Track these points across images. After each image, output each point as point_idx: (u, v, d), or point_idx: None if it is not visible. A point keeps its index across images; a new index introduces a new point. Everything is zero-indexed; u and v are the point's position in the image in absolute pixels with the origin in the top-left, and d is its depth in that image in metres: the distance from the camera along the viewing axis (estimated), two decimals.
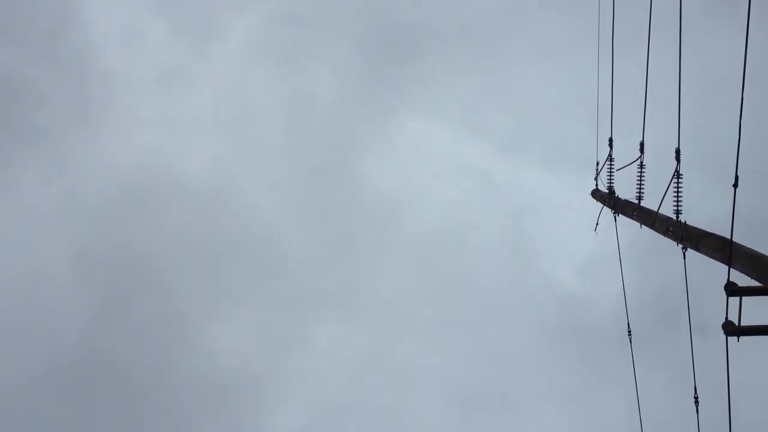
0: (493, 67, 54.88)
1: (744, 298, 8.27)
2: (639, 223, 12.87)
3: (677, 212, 11.25)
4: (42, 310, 44.57)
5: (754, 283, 8.44)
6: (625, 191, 14.39)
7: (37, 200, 47.86)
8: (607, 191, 15.31)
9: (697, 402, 11.06)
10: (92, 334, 44.41)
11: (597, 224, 16.15)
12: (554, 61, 51.63)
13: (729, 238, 8.78)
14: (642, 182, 13.15)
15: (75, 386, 42.31)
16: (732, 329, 8.07)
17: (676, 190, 11.25)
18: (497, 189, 53.92)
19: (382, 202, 53.45)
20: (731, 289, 8.09)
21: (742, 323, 8.30)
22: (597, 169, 16.10)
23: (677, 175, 11.14)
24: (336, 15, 54.12)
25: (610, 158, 15.04)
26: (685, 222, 10.96)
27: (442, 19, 54.27)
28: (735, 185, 7.87)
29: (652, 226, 12.14)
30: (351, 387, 46.21)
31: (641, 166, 13.03)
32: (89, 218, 48.10)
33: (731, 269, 8.78)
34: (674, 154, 11.06)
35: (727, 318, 8.23)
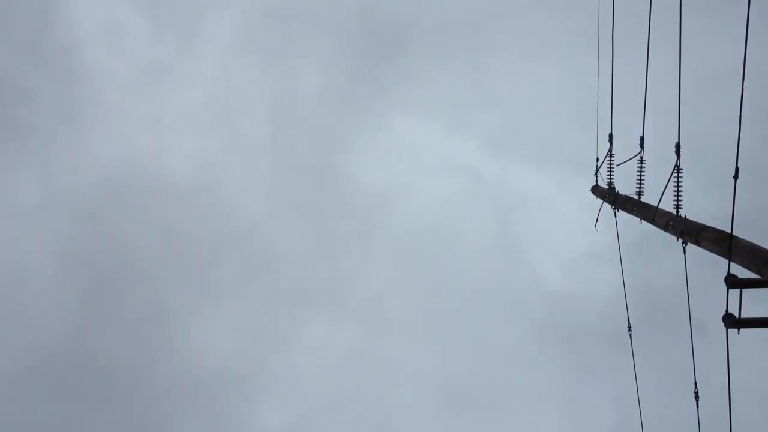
0: (481, 63, 54.86)
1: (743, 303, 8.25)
2: (639, 219, 12.88)
3: (677, 207, 11.27)
4: (26, 307, 44.58)
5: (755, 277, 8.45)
6: (625, 187, 14.43)
7: (22, 197, 47.91)
8: (606, 187, 15.31)
9: (697, 397, 11.06)
10: (77, 332, 44.42)
11: (597, 220, 16.17)
12: (543, 58, 51.67)
13: (729, 231, 8.79)
14: (642, 177, 13.16)
15: (58, 384, 42.27)
16: (732, 321, 8.06)
17: (676, 184, 11.26)
18: (485, 186, 53.98)
19: (369, 199, 53.42)
20: (731, 281, 8.09)
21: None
22: (597, 165, 16.12)
23: (677, 169, 11.15)
24: (322, 11, 53.99)
25: (609, 154, 15.05)
26: (686, 216, 10.97)
27: (429, 15, 54.28)
28: (735, 177, 7.88)
29: (652, 221, 12.16)
30: (338, 385, 46.16)
31: (641, 161, 13.04)
32: (74, 215, 48.14)
33: (731, 263, 8.80)
34: (674, 149, 11.07)
35: (727, 311, 8.22)
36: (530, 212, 52.82)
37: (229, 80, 55.17)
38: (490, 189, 53.70)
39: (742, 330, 8.18)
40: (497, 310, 47.97)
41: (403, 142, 55.79)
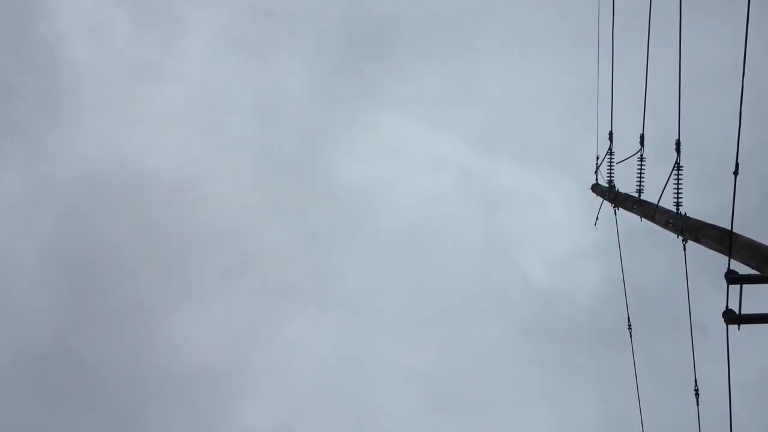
0: (467, 60, 54.81)
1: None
2: (639, 216, 12.89)
3: (677, 204, 11.27)
4: (8, 304, 44.58)
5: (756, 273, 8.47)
6: (625, 185, 14.44)
7: (4, 193, 47.90)
8: (606, 185, 15.33)
9: (697, 395, 11.07)
10: (58, 329, 44.37)
11: (597, 219, 16.18)
12: (529, 55, 51.67)
13: (729, 228, 8.80)
14: (642, 175, 13.17)
15: (39, 381, 42.18)
16: (732, 317, 8.07)
17: (676, 182, 11.26)
18: (472, 183, 53.98)
19: (355, 197, 53.42)
20: (732, 277, 8.10)
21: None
22: (597, 163, 16.14)
23: (677, 167, 11.15)
24: (307, 7, 53.86)
25: (609, 152, 15.06)
26: (686, 214, 10.98)
27: (415, 11, 54.22)
28: (735, 173, 7.88)
29: (652, 218, 12.16)
30: (322, 383, 46.14)
31: (641, 159, 13.05)
32: (57, 212, 48.09)
33: (731, 260, 8.81)
34: (674, 147, 11.07)
35: (727, 306, 8.24)
36: (517, 210, 52.94)
37: (213, 77, 55.17)
38: (477, 186, 53.83)
39: (741, 328, 8.19)
40: (483, 307, 48.07)
41: (389, 139, 55.88)
